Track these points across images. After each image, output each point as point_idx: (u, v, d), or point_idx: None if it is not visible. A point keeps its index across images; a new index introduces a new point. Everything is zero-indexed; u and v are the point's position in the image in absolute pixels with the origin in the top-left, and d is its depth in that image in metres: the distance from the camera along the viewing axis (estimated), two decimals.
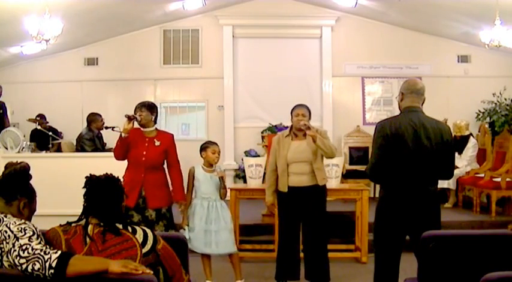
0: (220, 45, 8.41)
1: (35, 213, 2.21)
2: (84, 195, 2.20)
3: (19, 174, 2.16)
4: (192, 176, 4.18)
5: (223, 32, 8.41)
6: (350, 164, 8.02)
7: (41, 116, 7.72)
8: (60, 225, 2.17)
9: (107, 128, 6.46)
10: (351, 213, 5.48)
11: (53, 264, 1.82)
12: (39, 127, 7.21)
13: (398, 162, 3.03)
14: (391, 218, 3.09)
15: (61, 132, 7.92)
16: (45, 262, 1.83)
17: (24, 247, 1.86)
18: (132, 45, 8.56)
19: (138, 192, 3.93)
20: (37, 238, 1.93)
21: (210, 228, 4.08)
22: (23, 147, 6.15)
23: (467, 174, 6.74)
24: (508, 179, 6.14)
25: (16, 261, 1.85)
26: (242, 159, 6.99)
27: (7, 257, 1.90)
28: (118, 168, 3.89)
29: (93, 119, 6.55)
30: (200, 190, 4.15)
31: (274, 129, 7.91)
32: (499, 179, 6.15)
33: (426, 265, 2.72)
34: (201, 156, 4.22)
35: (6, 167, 2.19)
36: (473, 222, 5.94)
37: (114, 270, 1.84)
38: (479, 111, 8.25)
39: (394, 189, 3.10)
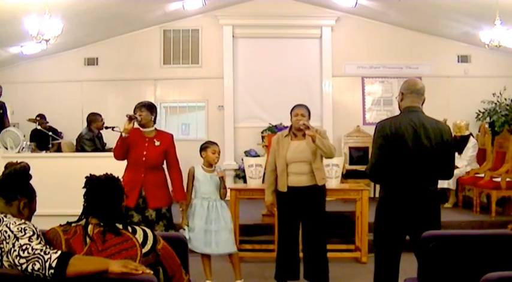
0: (220, 45, 8.41)
1: (35, 213, 2.21)
2: (84, 195, 2.21)
3: (19, 174, 2.16)
4: (191, 176, 4.18)
5: (223, 32, 8.41)
6: (350, 164, 8.02)
7: (41, 116, 7.72)
8: (60, 225, 2.17)
9: (107, 128, 6.46)
10: (351, 213, 5.48)
11: (53, 264, 1.82)
12: (39, 127, 7.21)
13: (398, 162, 3.03)
14: (391, 218, 3.09)
15: (61, 132, 7.92)
16: (45, 262, 1.83)
17: (24, 247, 1.86)
18: (132, 45, 8.56)
19: (138, 192, 3.94)
20: (37, 238, 1.93)
21: (210, 228, 4.08)
22: (23, 147, 6.15)
23: (467, 174, 6.74)
24: (508, 179, 6.14)
25: (16, 261, 1.85)
26: (242, 159, 6.99)
27: (7, 257, 1.90)
28: (118, 168, 3.89)
29: (93, 119, 6.55)
30: (200, 190, 4.15)
31: (274, 129, 7.91)
32: (499, 179, 6.15)
33: (426, 265, 2.72)
34: (201, 156, 4.22)
35: (6, 167, 2.19)
36: (473, 222, 5.94)
37: (114, 270, 1.84)
38: (479, 111, 8.25)
39: (394, 189, 3.10)
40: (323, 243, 4.16)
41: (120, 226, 2.14)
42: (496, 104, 8.18)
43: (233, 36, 8.43)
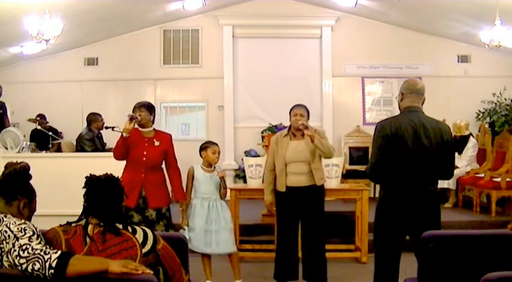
0: (220, 45, 8.41)
1: (35, 213, 2.21)
2: (84, 195, 2.21)
3: (19, 174, 2.16)
4: (191, 176, 4.18)
5: (223, 32, 8.41)
6: (350, 164, 8.02)
7: (41, 116, 7.72)
8: (60, 225, 2.17)
9: (107, 128, 6.47)
10: (351, 213, 5.48)
11: (53, 264, 1.82)
12: (39, 127, 7.21)
13: (398, 162, 3.03)
14: (391, 218, 3.09)
15: (61, 132, 7.92)
16: (45, 262, 1.83)
17: (24, 247, 1.86)
18: (132, 45, 8.56)
19: (139, 193, 3.94)
20: (37, 238, 1.93)
21: (210, 228, 4.08)
22: (23, 147, 6.15)
23: (467, 174, 6.74)
24: (508, 179, 6.14)
25: (16, 261, 1.85)
26: (242, 159, 6.99)
27: (7, 257, 1.90)
28: (118, 168, 3.90)
29: (93, 119, 6.54)
30: (200, 190, 4.15)
31: (274, 129, 7.91)
32: (499, 179, 6.15)
33: (426, 265, 2.72)
34: (201, 156, 4.22)
35: (6, 167, 2.19)
36: (473, 222, 5.94)
37: (114, 270, 1.84)
38: (479, 111, 8.25)
39: (394, 189, 3.10)
40: (322, 243, 4.15)
41: (120, 226, 2.14)
42: (496, 104, 8.18)
43: (233, 36, 8.43)
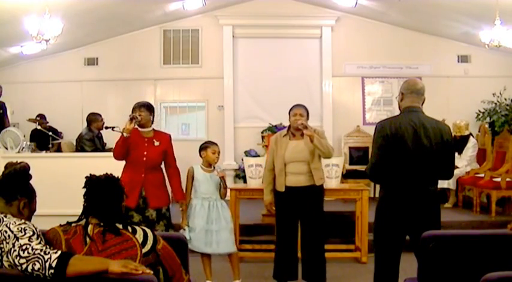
0: (220, 45, 8.41)
1: (35, 213, 2.21)
2: (84, 195, 2.21)
3: (19, 174, 2.16)
4: (191, 176, 4.18)
5: (223, 32, 8.41)
6: (350, 164, 8.02)
7: (41, 116, 7.72)
8: (60, 225, 2.17)
9: (107, 128, 6.47)
10: (351, 213, 5.48)
11: (53, 264, 1.82)
12: (39, 127, 7.21)
13: (398, 162, 3.03)
14: (391, 218, 3.09)
15: (61, 132, 7.92)
16: (45, 262, 1.83)
17: (24, 247, 1.86)
18: (132, 45, 8.56)
19: (139, 193, 3.94)
20: (37, 238, 1.93)
21: (211, 228, 4.08)
22: (23, 147, 6.15)
23: (467, 174, 6.74)
24: (508, 179, 6.14)
25: (16, 261, 1.85)
26: (242, 159, 6.99)
27: (7, 257, 1.90)
28: (118, 168, 3.90)
29: (93, 119, 6.54)
30: (200, 190, 4.15)
31: (274, 129, 7.91)
32: (499, 179, 6.15)
33: (426, 265, 2.72)
34: (200, 156, 4.22)
35: (6, 167, 2.19)
36: (473, 222, 5.94)
37: (114, 270, 1.84)
38: (479, 111, 8.25)
39: (394, 189, 3.10)
40: (321, 243, 4.15)
41: (120, 226, 2.14)
42: (496, 104, 8.18)
43: (233, 36, 8.43)
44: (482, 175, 6.46)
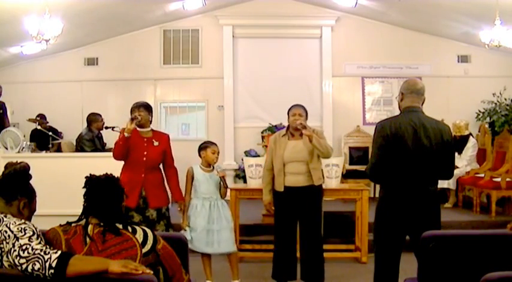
0: (220, 45, 8.41)
1: (35, 213, 2.21)
2: (84, 195, 2.21)
3: (19, 174, 2.16)
4: (190, 176, 4.17)
5: (223, 32, 8.41)
6: (350, 164, 8.02)
7: (41, 116, 7.72)
8: (60, 225, 2.17)
9: (107, 128, 6.47)
10: (351, 213, 5.48)
11: (53, 264, 1.82)
12: (39, 127, 7.21)
13: (398, 162, 3.03)
14: (391, 218, 3.09)
15: (61, 132, 7.92)
16: (45, 262, 1.83)
17: (24, 247, 1.86)
18: (132, 45, 8.56)
19: (139, 193, 3.94)
20: (37, 238, 1.93)
21: (212, 227, 4.08)
22: (23, 147, 6.15)
23: (467, 174, 6.74)
24: (508, 179, 6.14)
25: (16, 261, 1.85)
26: (242, 159, 6.99)
27: (7, 257, 1.90)
28: (117, 168, 3.91)
29: (93, 119, 6.54)
30: (200, 190, 4.14)
31: (274, 129, 7.91)
32: (499, 179, 6.15)
33: (426, 265, 2.72)
34: (200, 155, 4.21)
35: (6, 167, 2.19)
36: (473, 222, 5.94)
37: (114, 270, 1.84)
38: (479, 111, 8.25)
39: (394, 189, 3.10)
40: (319, 244, 4.14)
41: (120, 226, 2.14)
42: (496, 104, 8.18)
43: (233, 36, 8.43)
44: (482, 175, 6.46)
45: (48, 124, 7.71)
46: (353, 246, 5.27)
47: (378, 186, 5.56)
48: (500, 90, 8.19)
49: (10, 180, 2.13)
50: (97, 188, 2.19)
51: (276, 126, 8.04)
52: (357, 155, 8.15)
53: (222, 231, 4.10)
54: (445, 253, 2.66)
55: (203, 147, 4.20)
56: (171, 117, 8.93)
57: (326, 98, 8.45)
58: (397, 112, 3.30)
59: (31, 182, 2.21)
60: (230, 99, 8.41)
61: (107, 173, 2.26)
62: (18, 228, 1.93)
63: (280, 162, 4.05)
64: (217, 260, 4.39)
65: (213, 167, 4.18)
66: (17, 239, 1.89)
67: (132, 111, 4.04)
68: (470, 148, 6.89)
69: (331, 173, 5.00)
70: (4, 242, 1.92)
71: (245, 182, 5.86)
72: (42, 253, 1.85)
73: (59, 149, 6.66)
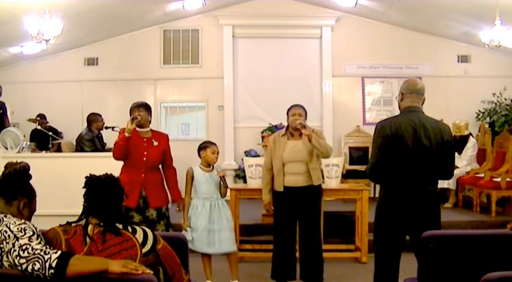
0: (220, 45, 8.41)
1: (35, 213, 2.21)
2: (84, 195, 2.21)
3: (19, 174, 2.16)
4: (190, 177, 4.17)
5: (223, 32, 8.41)
6: (350, 164, 8.02)
7: (41, 116, 7.72)
8: (60, 225, 2.17)
9: (107, 128, 6.47)
10: (351, 213, 5.48)
11: (53, 264, 1.82)
12: (39, 127, 7.21)
13: (398, 162, 3.03)
14: (391, 218, 3.09)
15: (61, 132, 7.92)
16: (45, 262, 1.83)
17: (24, 247, 1.86)
18: (132, 45, 8.56)
19: (139, 193, 3.94)
20: (37, 238, 1.93)
21: (213, 227, 4.08)
22: (23, 147, 6.15)
23: (467, 174, 6.74)
24: (508, 179, 6.14)
25: (16, 261, 1.85)
26: (242, 159, 6.99)
27: (7, 257, 1.90)
28: (117, 168, 3.91)
29: (94, 119, 6.54)
30: (200, 190, 4.14)
31: (274, 129, 7.91)
32: (499, 179, 6.15)
33: (426, 265, 2.72)
34: (199, 155, 4.21)
35: (6, 167, 2.19)
36: (473, 222, 5.94)
37: (114, 270, 1.84)
38: (479, 111, 8.25)
39: (394, 189, 3.10)
40: (319, 244, 4.15)
41: (120, 226, 2.14)
42: (496, 104, 8.18)
43: (233, 36, 8.43)
44: (482, 175, 6.46)
45: (48, 124, 7.71)
46: (353, 246, 5.27)
47: (378, 186, 5.56)
48: (500, 90, 8.19)
49: (10, 180, 2.13)
50: (97, 188, 2.18)
51: (276, 126, 8.04)
52: (357, 155, 8.15)
53: (222, 230, 4.10)
54: (445, 253, 2.66)
55: (203, 147, 4.20)
56: (171, 117, 8.93)
57: (326, 98, 8.45)
58: (397, 112, 3.30)
59: (31, 182, 2.21)
60: (230, 99, 8.41)
61: (106, 173, 2.26)
62: (18, 228, 1.93)
63: (280, 162, 4.05)
64: (217, 260, 4.38)
65: (213, 167, 4.18)
66: (17, 239, 1.89)
67: (131, 111, 4.04)
68: (470, 148, 6.89)
69: (331, 173, 5.00)
70: (4, 242, 1.92)
71: (245, 182, 5.87)
72: (42, 253, 1.85)
73: (59, 149, 6.67)
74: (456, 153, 6.35)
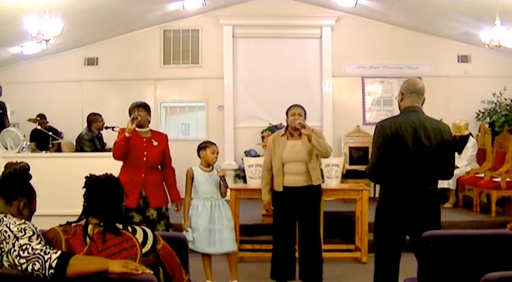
0: (220, 45, 8.41)
1: (35, 213, 2.21)
2: (84, 195, 2.21)
3: (19, 174, 2.16)
4: (190, 177, 4.17)
5: (223, 32, 8.41)
6: (350, 164, 8.02)
7: (41, 116, 7.72)
8: (60, 225, 2.17)
9: (107, 128, 6.47)
10: (351, 213, 5.48)
11: (53, 264, 1.82)
12: (39, 127, 7.21)
13: (398, 162, 3.03)
14: (391, 217, 3.09)
15: (61, 132, 7.92)
16: (45, 262, 1.83)
17: (24, 247, 1.86)
18: (132, 45, 8.56)
19: (139, 193, 3.94)
20: (37, 238, 1.93)
21: (214, 227, 4.08)
22: (23, 147, 6.15)
23: (467, 174, 6.74)
24: (508, 179, 6.14)
25: (16, 261, 1.85)
26: (242, 159, 6.99)
27: (7, 257, 1.90)
28: (117, 168, 3.91)
29: (94, 119, 6.54)
30: (200, 190, 4.14)
31: (274, 129, 7.90)
32: (499, 179, 6.15)
33: (426, 265, 2.72)
34: (199, 155, 4.21)
35: (6, 167, 2.20)
36: (473, 222, 5.94)
37: (114, 270, 1.84)
38: (479, 111, 8.25)
39: (394, 189, 3.10)
40: (318, 244, 4.15)
41: (120, 226, 2.14)
42: (496, 104, 8.18)
43: (233, 36, 8.42)
44: (482, 175, 6.46)
45: (48, 124, 7.71)
46: (353, 246, 5.27)
47: (378, 186, 5.56)
48: (500, 90, 8.19)
49: (10, 180, 2.13)
50: (97, 188, 2.18)
51: (276, 126, 8.03)
52: (357, 155, 8.15)
53: (223, 230, 4.10)
54: (445, 253, 2.66)
55: (202, 147, 4.20)
56: (171, 117, 8.93)
57: (326, 98, 8.45)
58: (397, 112, 3.30)
59: (31, 182, 2.21)
60: (230, 99, 8.40)
61: (106, 173, 2.27)
62: (18, 228, 1.93)
63: (279, 162, 4.05)
64: (217, 260, 4.38)
65: (213, 167, 4.18)
66: (17, 239, 1.89)
67: (130, 111, 4.04)
68: (470, 148, 6.89)
69: (331, 173, 5.00)
70: (4, 242, 1.92)
71: (245, 182, 5.86)
72: (42, 253, 1.85)
73: (59, 149, 6.67)
74: (456, 153, 6.35)
